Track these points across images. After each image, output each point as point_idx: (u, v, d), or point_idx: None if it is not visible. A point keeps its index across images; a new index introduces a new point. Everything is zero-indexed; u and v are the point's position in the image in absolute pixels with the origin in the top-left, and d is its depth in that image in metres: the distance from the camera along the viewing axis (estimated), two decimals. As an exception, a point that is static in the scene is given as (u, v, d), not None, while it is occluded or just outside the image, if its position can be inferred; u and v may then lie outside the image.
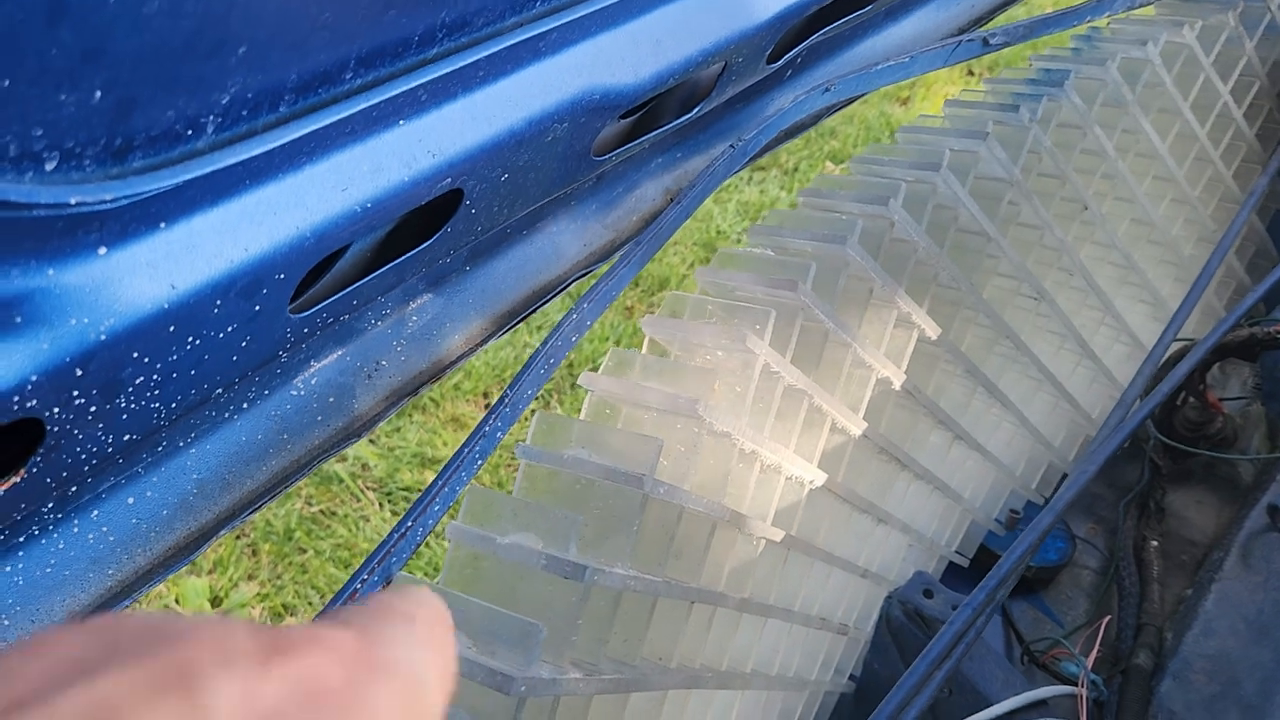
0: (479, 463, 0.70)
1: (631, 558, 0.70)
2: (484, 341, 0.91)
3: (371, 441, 1.98)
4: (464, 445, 0.69)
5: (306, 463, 0.78)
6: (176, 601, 1.71)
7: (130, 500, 0.67)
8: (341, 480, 1.91)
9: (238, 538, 1.80)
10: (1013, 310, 1.21)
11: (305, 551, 1.80)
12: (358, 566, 0.63)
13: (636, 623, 0.75)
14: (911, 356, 1.07)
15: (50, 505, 0.61)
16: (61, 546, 0.64)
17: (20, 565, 0.62)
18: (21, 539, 0.61)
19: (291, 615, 1.68)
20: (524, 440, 0.74)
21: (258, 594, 1.73)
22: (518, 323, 0.94)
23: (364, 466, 1.94)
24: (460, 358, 0.89)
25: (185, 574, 1.74)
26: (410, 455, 1.95)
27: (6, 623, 0.61)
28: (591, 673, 0.66)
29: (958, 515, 1.28)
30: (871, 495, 1.07)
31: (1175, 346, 1.41)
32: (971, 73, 3.08)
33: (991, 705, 1.10)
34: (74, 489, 0.61)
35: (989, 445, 1.26)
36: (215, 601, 1.72)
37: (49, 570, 0.63)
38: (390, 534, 0.64)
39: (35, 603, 0.63)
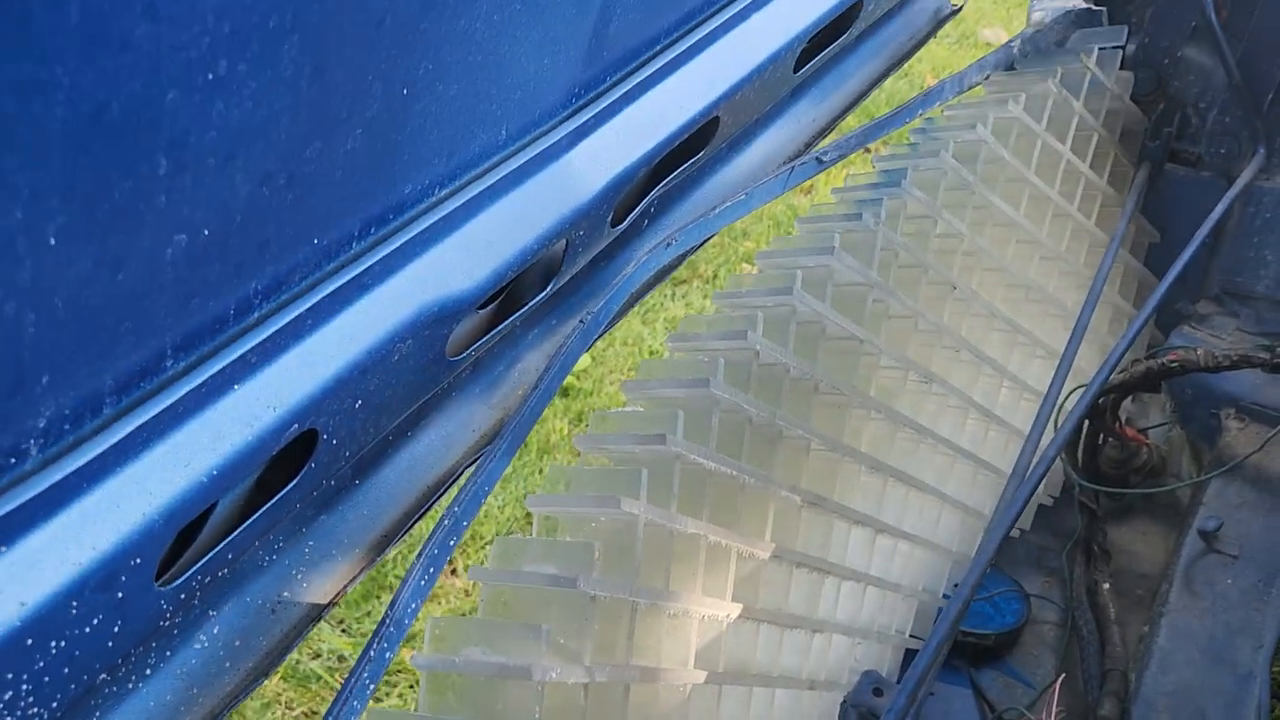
0: (370, 687, 0.72)
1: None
2: (386, 547, 0.94)
3: (344, 631, 1.99)
4: (352, 674, 0.71)
5: (221, 711, 0.80)
6: (170, 837, 1.68)
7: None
8: (319, 677, 1.90)
9: (222, 759, 1.79)
10: (906, 398, 1.25)
11: (293, 758, 1.79)
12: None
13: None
14: (810, 468, 1.11)
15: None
16: None
17: None
18: None
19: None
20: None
21: (251, 812, 1.71)
22: (420, 517, 0.97)
23: (340, 659, 1.94)
24: (365, 567, 0.92)
25: (175, 807, 1.72)
26: (384, 637, 1.95)
27: None
28: None
29: (902, 602, 1.31)
30: (800, 609, 1.10)
31: (1078, 393, 1.45)
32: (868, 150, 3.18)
33: (961, 792, 1.10)
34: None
35: (916, 529, 1.29)
36: (209, 829, 1.70)
37: None
38: (337, 697, 0.66)
39: None
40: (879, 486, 1.22)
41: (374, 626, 1.84)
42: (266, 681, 1.91)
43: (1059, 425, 1.27)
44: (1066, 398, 1.35)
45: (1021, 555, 1.54)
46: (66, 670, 0.61)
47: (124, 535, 0.61)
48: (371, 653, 0.72)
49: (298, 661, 1.94)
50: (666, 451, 0.90)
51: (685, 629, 0.92)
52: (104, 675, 0.66)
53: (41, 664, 0.58)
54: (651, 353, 2.53)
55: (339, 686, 1.80)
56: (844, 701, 1.18)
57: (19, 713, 0.58)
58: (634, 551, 0.84)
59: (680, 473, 0.91)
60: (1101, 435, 1.52)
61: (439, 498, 1.00)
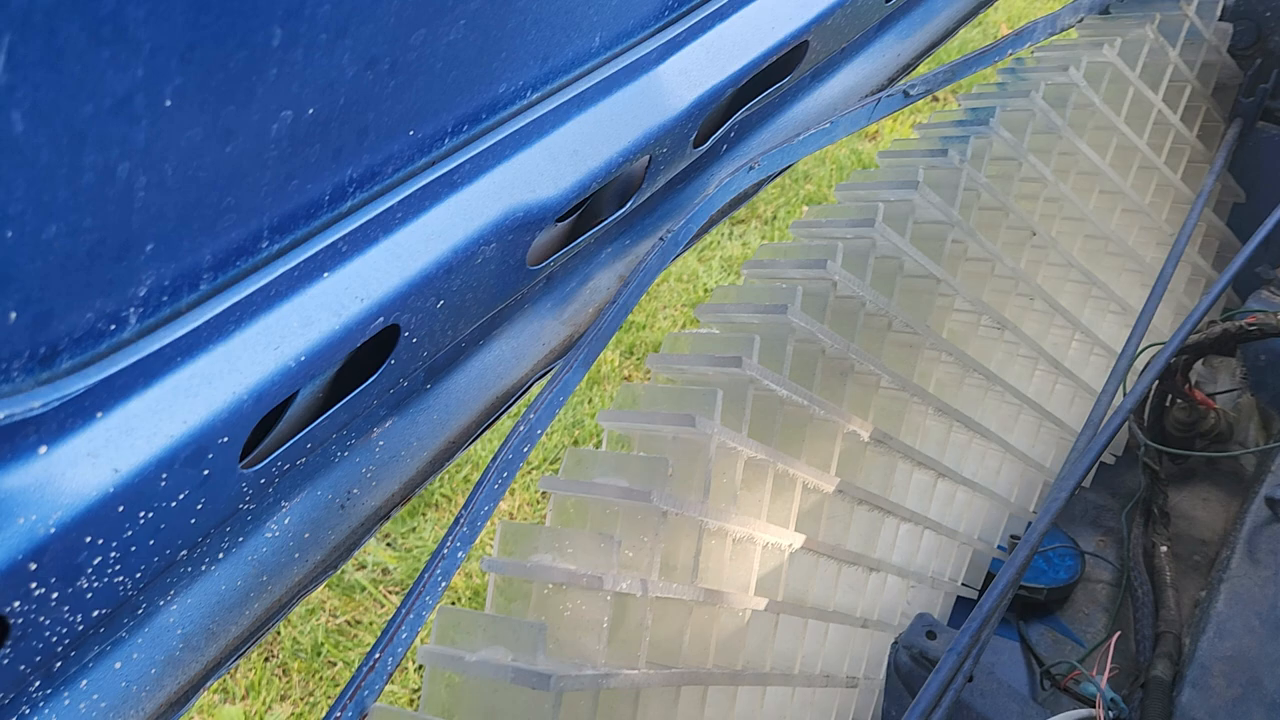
0: (443, 584, 0.73)
1: (606, 655, 0.72)
2: (454, 454, 0.94)
3: (389, 545, 2.01)
4: (425, 569, 0.72)
5: (289, 600, 0.81)
6: (214, 732, 1.73)
7: (117, 665, 0.70)
8: (363, 588, 1.93)
9: (267, 660, 1.83)
10: (977, 343, 1.23)
11: (335, 664, 1.82)
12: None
13: (622, 715, 0.76)
14: (878, 405, 1.09)
15: (36, 685, 0.64)
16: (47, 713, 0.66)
17: (16, 731, 0.64)
18: (14, 718, 0.64)
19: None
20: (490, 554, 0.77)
21: (292, 714, 1.75)
22: (487, 428, 0.97)
23: (384, 571, 1.97)
24: (432, 473, 0.92)
25: (219, 702, 1.77)
26: (428, 553, 1.97)
27: (9, 801, 0.64)
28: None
29: (956, 550, 1.29)
30: (858, 547, 1.09)
31: (1152, 352, 1.42)
32: (936, 98, 3.12)
33: (1008, 738, 1.10)
34: (57, 665, 0.64)
35: (976, 476, 1.27)
36: (252, 727, 1.74)
37: (45, 738, 0.66)
38: (360, 667, 0.67)
39: (35, 776, 0.65)
40: (944, 431, 1.21)
41: (418, 543, 1.87)
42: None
43: (1131, 384, 1.24)
44: (1138, 355, 1.32)
45: (1078, 513, 1.52)
46: (152, 543, 0.61)
47: (214, 412, 0.61)
48: (445, 550, 0.72)
49: (343, 572, 1.96)
50: (741, 375, 0.88)
51: (749, 555, 0.91)
52: (184, 552, 0.66)
53: (130, 533, 0.59)
54: (706, 290, 2.51)
55: (382, 598, 1.84)
56: (895, 642, 1.18)
57: (106, 578, 0.59)
58: (705, 472, 0.83)
59: (753, 398, 0.90)
60: (1169, 396, 1.49)
61: (507, 409, 1.00)
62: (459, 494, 2.07)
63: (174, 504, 0.61)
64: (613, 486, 0.78)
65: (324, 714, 0.64)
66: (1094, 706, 1.16)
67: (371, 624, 1.88)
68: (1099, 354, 1.43)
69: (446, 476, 2.10)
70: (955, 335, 1.18)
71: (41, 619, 0.56)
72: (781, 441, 0.94)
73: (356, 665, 1.82)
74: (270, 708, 1.75)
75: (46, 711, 0.66)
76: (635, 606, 0.77)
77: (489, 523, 0.79)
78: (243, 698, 1.77)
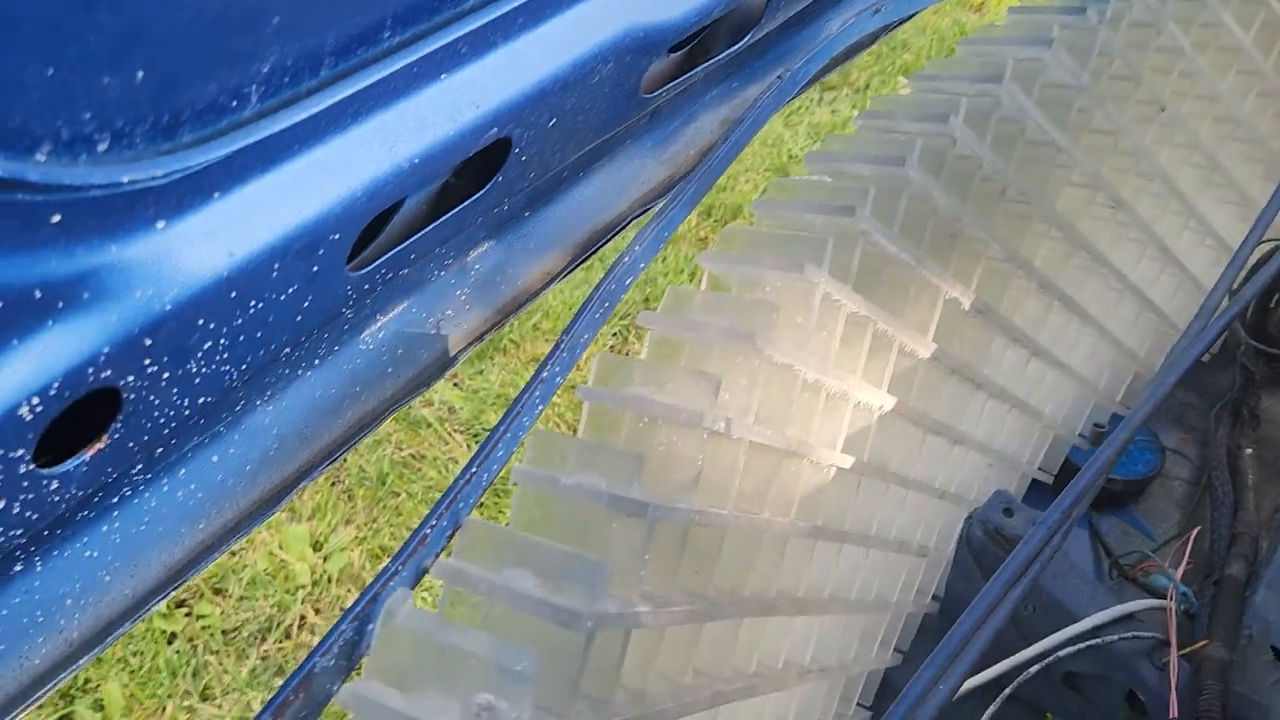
0: (539, 407, 0.72)
1: (696, 492, 0.71)
2: (546, 285, 0.93)
3: (456, 385, 2.03)
4: (524, 390, 0.70)
5: (380, 413, 0.81)
6: (280, 548, 1.78)
7: (215, 458, 0.70)
8: (429, 424, 1.96)
9: (333, 484, 1.87)
10: (1089, 220, 1.17)
11: (398, 495, 1.86)
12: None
13: (706, 555, 0.76)
14: (982, 274, 1.05)
15: (139, 467, 0.64)
16: (154, 505, 0.67)
17: (117, 525, 0.65)
18: (115, 500, 0.65)
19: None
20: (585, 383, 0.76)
21: (355, 537, 1.80)
22: (579, 264, 0.95)
23: (450, 410, 1.99)
24: (524, 302, 0.90)
25: (286, 521, 1.82)
26: (494, 396, 1.99)
27: (108, 578, 0.65)
28: (662, 605, 0.68)
29: (1039, 432, 1.27)
30: (946, 417, 1.06)
31: (1265, 247, 1.36)
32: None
33: (1077, 621, 1.09)
34: (159, 450, 0.65)
35: (1069, 359, 1.23)
36: (316, 546, 1.79)
37: (143, 528, 0.67)
38: (456, 480, 0.66)
39: (134, 559, 0.66)
40: (1043, 309, 1.17)
41: (485, 385, 1.88)
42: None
43: (1242, 280, 1.19)
44: (1252, 250, 1.26)
45: (1163, 408, 1.47)
46: (259, 335, 0.61)
47: (328, 205, 0.59)
48: (544, 374, 0.71)
49: (410, 408, 1.99)
50: (852, 226, 0.85)
51: (840, 412, 0.89)
52: (286, 350, 0.66)
53: (240, 321, 0.58)
54: (791, 156, 2.44)
55: (447, 436, 1.86)
56: (970, 516, 1.17)
57: (214, 365, 0.58)
58: (809, 321, 0.81)
59: (861, 251, 0.86)
60: (1276, 297, 1.43)
61: (602, 245, 0.98)
62: (527, 340, 2.07)
63: (283, 298, 0.60)
64: (715, 326, 0.76)
65: (418, 525, 0.64)
66: (1164, 598, 1.14)
67: (435, 459, 1.91)
68: (1210, 245, 1.37)
69: (517, 323, 2.09)
70: (1068, 210, 1.13)
71: (152, 398, 0.55)
72: (883, 301, 0.91)
73: (419, 497, 1.86)
74: (335, 530, 1.80)
75: (147, 496, 0.67)
76: (727, 449, 0.76)
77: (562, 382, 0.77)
78: (309, 518, 1.82)
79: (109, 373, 0.51)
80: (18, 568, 0.60)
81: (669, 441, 0.72)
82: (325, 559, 1.76)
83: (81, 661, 0.64)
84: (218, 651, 1.67)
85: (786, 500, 0.85)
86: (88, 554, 0.64)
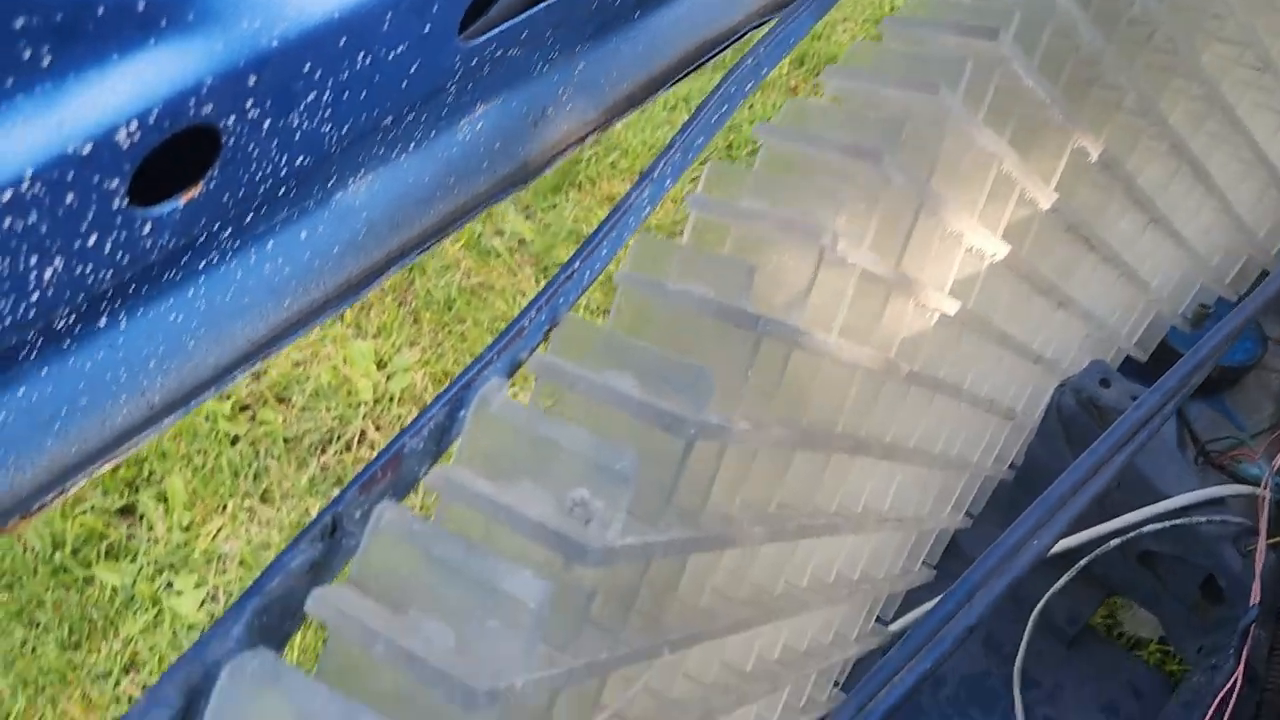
0: (647, 209, 0.67)
1: (801, 315, 0.67)
2: (651, 93, 0.87)
3: (528, 217, 1.98)
4: (632, 189, 0.66)
5: (470, 209, 0.77)
6: (345, 362, 1.78)
7: (303, 235, 0.67)
8: (499, 254, 1.92)
9: (400, 305, 1.85)
10: (1231, 82, 1.09)
11: (464, 321, 1.84)
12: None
13: (804, 383, 0.72)
14: (1113, 127, 0.98)
15: (228, 232, 0.61)
16: (240, 276, 0.64)
17: (203, 291, 0.63)
18: (202, 265, 0.62)
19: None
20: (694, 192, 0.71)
21: (419, 360, 1.79)
22: (688, 73, 0.89)
23: (521, 242, 1.95)
24: (626, 109, 0.85)
25: (351, 337, 1.81)
26: (566, 232, 1.95)
27: (191, 345, 0.63)
28: (759, 427, 0.65)
29: (1142, 306, 1.21)
30: (1054, 276, 1.01)
31: None
32: None
33: (1163, 499, 1.05)
34: (250, 216, 0.62)
35: (1185, 232, 1.16)
36: (380, 364, 1.79)
37: (229, 298, 0.64)
38: (557, 274, 0.63)
39: (218, 328, 0.64)
40: (1168, 173, 1.09)
41: (557, 219, 1.84)
42: (449, 247, 1.95)
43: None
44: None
45: (1273, 296, 1.40)
46: (363, 95, 0.56)
47: (447, -45, 0.54)
48: (654, 174, 0.66)
49: (481, 235, 1.96)
50: (992, 51, 0.78)
51: (952, 254, 0.84)
52: (387, 120, 0.62)
53: (346, 75, 0.54)
54: (893, 7, 2.31)
55: (516, 267, 1.83)
56: (1063, 384, 1.12)
57: (315, 121, 0.54)
58: (938, 147, 0.75)
59: (998, 81, 0.79)
60: None
61: (715, 55, 0.91)
62: (604, 177, 2.02)
63: (391, 56, 0.56)
64: (837, 142, 0.71)
65: (515, 316, 0.61)
66: (1257, 486, 1.10)
67: (503, 290, 1.88)
68: (1354, 125, 1.27)
69: (594, 158, 2.04)
70: (1212, 68, 1.05)
71: (250, 147, 0.52)
72: (1011, 139, 0.84)
73: (484, 326, 1.84)
74: (399, 350, 1.79)
75: (234, 266, 0.64)
76: (837, 275, 0.71)
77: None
78: (374, 336, 1.81)
79: (210, 108, 0.47)
80: (103, 321, 0.58)
81: (777, 258, 0.67)
82: (388, 378, 1.76)
83: (163, 424, 0.63)
84: (279, 457, 1.69)
85: (888, 339, 0.81)
86: (173, 317, 0.62)
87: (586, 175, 2.02)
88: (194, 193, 0.52)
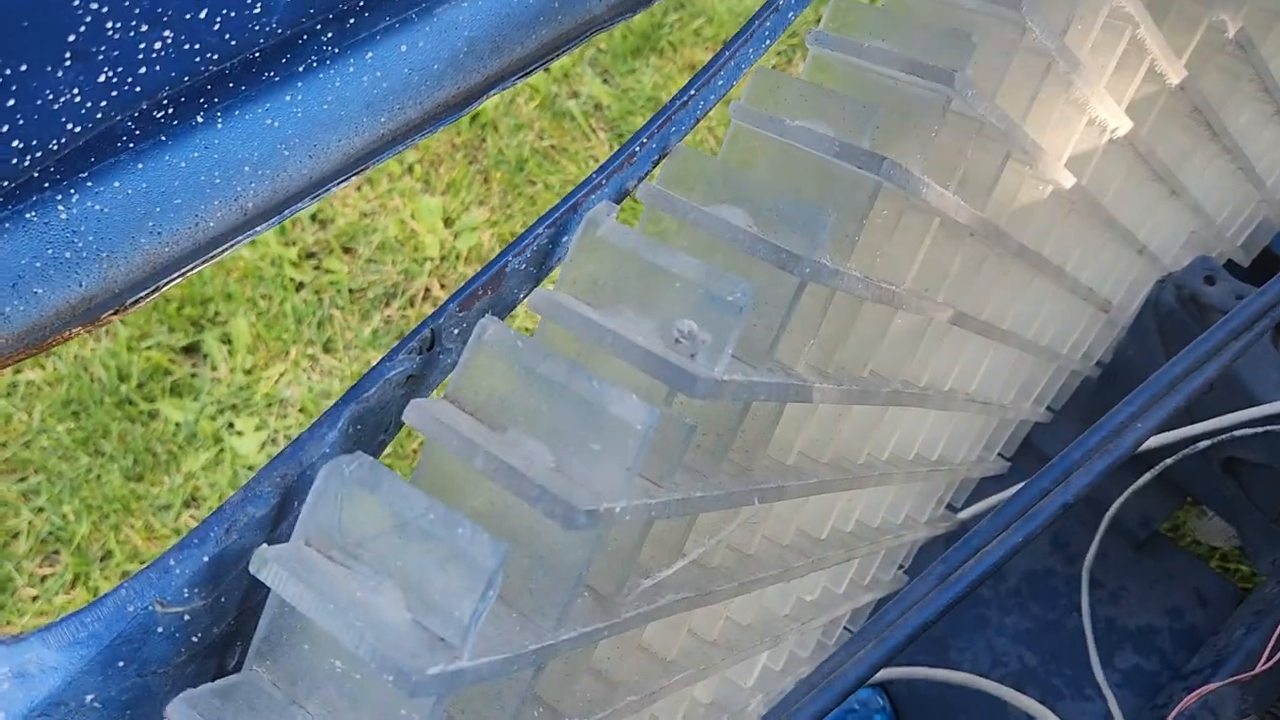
0: (768, 41, 0.63)
1: (923, 166, 0.63)
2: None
3: (605, 81, 1.93)
4: (755, 17, 0.62)
5: (573, 36, 0.73)
6: (412, 217, 1.76)
7: (403, 48, 0.64)
8: (574, 117, 1.88)
9: (470, 163, 1.82)
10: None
11: (535, 184, 1.81)
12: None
13: (913, 240, 0.69)
14: (1251, 6, 0.91)
15: (329, 35, 0.59)
16: (338, 84, 0.62)
17: (299, 97, 0.60)
18: (302, 69, 0.59)
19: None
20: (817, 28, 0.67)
21: (487, 219, 1.77)
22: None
23: (597, 106, 1.90)
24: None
25: (419, 192, 1.79)
26: (645, 99, 1.89)
27: (286, 153, 0.61)
28: (866, 281, 0.62)
29: (1254, 205, 1.15)
30: (1171, 161, 0.95)
31: None
32: None
33: (1258, 405, 1.01)
34: (353, 20, 0.59)
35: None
36: (448, 222, 1.77)
37: (326, 107, 0.62)
38: (671, 101, 0.59)
39: (313, 137, 0.62)
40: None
41: (635, 84, 1.77)
42: (523, 107, 1.90)
43: None
44: None
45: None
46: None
47: None
48: (779, 3, 0.62)
49: (556, 96, 1.91)
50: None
51: (1074, 123, 0.80)
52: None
53: None
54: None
55: (590, 131, 1.78)
56: (1164, 279, 1.07)
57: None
58: (1075, 4, 0.70)
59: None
60: None
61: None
62: (686, 45, 1.95)
63: None
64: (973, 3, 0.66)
65: (627, 141, 0.57)
66: (1356, 401, 1.05)
67: (576, 153, 1.84)
68: None
69: (678, 23, 1.96)
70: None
71: (366, -71, 0.49)
72: (1149, 3, 0.79)
73: (555, 190, 1.80)
74: (468, 209, 1.77)
75: (332, 73, 0.61)
76: (961, 124, 0.67)
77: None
78: (443, 193, 1.79)
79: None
80: (200, 118, 0.56)
81: (904, 104, 0.63)
82: (456, 236, 1.74)
83: (255, 231, 0.61)
84: (343, 308, 1.68)
85: (1000, 207, 0.77)
86: (269, 122, 0.59)
87: (669, 40, 1.96)
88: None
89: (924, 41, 0.64)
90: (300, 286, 1.70)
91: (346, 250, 1.74)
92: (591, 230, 0.53)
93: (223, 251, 0.61)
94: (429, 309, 1.68)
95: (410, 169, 1.81)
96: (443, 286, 1.69)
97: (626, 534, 0.52)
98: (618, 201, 0.57)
